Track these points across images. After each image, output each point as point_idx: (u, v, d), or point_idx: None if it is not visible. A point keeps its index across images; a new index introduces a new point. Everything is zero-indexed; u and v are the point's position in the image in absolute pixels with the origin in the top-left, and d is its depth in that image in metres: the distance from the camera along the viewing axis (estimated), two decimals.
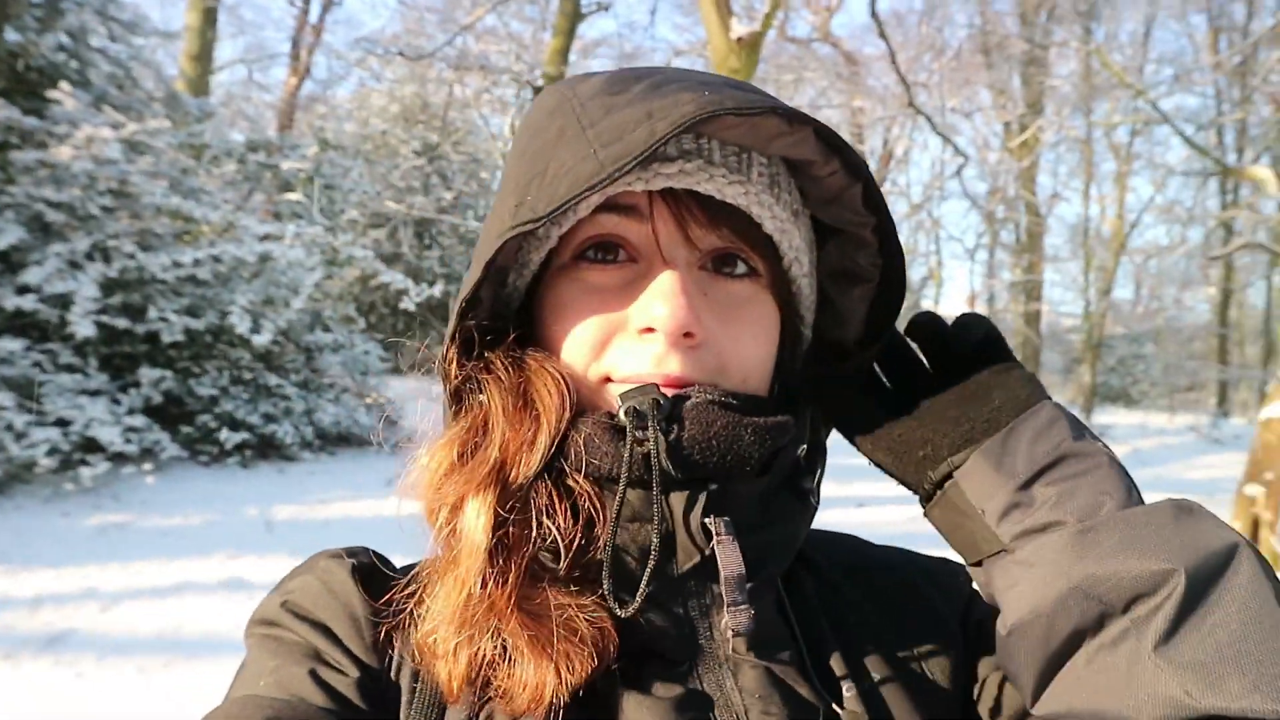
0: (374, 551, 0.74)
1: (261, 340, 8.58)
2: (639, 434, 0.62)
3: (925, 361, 0.78)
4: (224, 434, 8.66)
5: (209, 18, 14.64)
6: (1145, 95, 11.42)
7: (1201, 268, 26.59)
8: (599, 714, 0.63)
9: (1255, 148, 18.73)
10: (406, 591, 0.66)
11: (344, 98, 22.26)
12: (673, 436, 0.63)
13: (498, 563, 0.61)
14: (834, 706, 0.67)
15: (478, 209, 22.52)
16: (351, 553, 0.72)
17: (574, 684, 0.61)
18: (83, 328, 7.18)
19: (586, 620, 0.62)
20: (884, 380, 0.80)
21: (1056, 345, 31.08)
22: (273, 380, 9.30)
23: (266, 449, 9.20)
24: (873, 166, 29.04)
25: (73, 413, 7.10)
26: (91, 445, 7.29)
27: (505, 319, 0.72)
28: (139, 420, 7.69)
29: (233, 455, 8.80)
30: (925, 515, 0.73)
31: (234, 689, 0.66)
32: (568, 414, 0.65)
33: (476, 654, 0.61)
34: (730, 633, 0.63)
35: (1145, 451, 15.75)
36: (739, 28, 7.35)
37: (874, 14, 9.99)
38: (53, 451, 6.87)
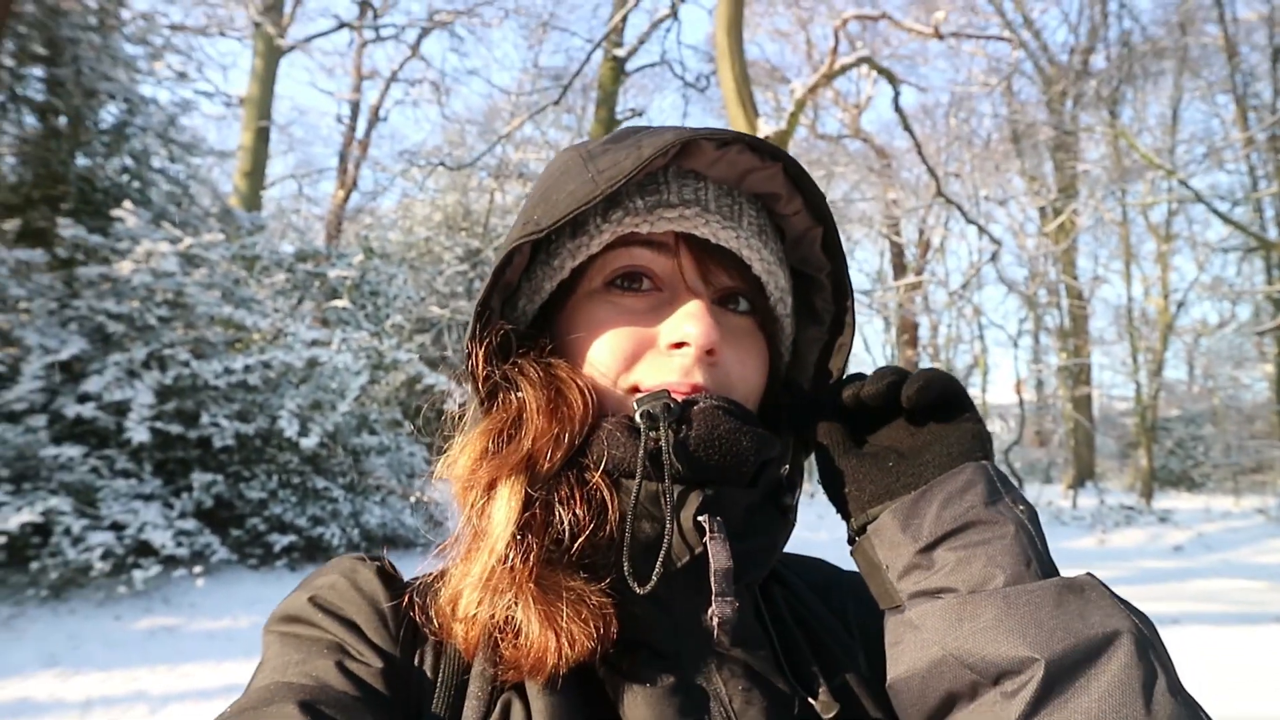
0: (390, 561, 0.80)
1: (309, 443, 8.73)
2: (652, 433, 0.69)
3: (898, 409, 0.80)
4: (272, 537, 8.75)
5: (262, 137, 15.44)
6: (1176, 175, 11.45)
7: (1255, 344, 26.06)
8: (595, 693, 0.69)
9: None
10: (430, 576, 0.73)
11: (389, 208, 23.06)
12: (681, 435, 0.69)
13: (522, 539, 0.68)
14: (809, 699, 0.72)
15: None
16: (374, 557, 0.79)
17: (573, 658, 0.66)
18: (138, 434, 7.39)
19: (592, 603, 0.68)
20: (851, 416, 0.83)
21: (1111, 429, 30.40)
22: (320, 483, 9.42)
23: (314, 551, 9.25)
24: (909, 256, 29.16)
25: (127, 517, 7.25)
26: (144, 549, 7.41)
27: (530, 330, 0.81)
28: (190, 524, 7.81)
29: (280, 558, 8.86)
30: (851, 555, 0.77)
31: (257, 680, 0.69)
32: (590, 419, 0.73)
33: (492, 618, 0.67)
34: (715, 619, 0.68)
35: (1211, 536, 15.19)
36: (765, 127, 7.58)
37: (897, 108, 10.24)
38: (107, 555, 6.99)
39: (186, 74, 10.66)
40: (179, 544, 7.54)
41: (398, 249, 20.59)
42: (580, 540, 0.69)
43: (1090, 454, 25.40)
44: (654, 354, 0.75)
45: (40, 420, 7.11)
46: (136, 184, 9.59)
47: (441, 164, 17.10)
